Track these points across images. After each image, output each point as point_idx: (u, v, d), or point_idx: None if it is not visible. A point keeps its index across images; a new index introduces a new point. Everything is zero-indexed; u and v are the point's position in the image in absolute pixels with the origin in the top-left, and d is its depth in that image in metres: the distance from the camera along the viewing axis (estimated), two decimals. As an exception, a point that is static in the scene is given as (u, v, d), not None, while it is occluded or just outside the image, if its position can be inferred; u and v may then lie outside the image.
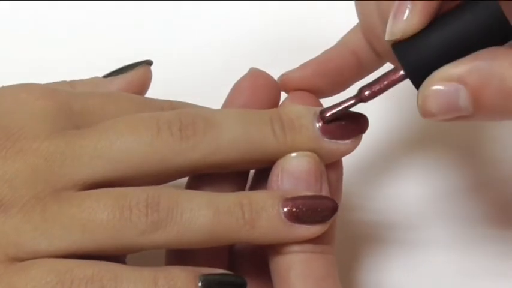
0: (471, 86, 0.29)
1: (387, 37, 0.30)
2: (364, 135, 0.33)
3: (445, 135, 0.42)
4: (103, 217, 0.30)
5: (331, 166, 0.33)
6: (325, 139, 0.32)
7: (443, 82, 0.29)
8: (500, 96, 0.29)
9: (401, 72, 0.31)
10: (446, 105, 0.29)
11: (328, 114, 0.32)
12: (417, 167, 0.42)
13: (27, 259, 0.30)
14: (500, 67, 0.29)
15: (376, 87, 0.31)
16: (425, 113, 0.30)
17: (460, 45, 0.29)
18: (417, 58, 0.30)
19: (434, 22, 0.30)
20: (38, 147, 0.30)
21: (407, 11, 0.30)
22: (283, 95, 0.35)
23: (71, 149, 0.31)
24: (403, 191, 0.41)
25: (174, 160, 0.31)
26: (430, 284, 0.38)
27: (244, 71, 0.35)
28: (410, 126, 0.42)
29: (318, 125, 0.32)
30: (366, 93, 0.31)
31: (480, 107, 0.29)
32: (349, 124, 0.32)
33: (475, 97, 0.29)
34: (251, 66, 0.35)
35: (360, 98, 0.31)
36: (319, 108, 0.33)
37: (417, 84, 0.30)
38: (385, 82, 0.31)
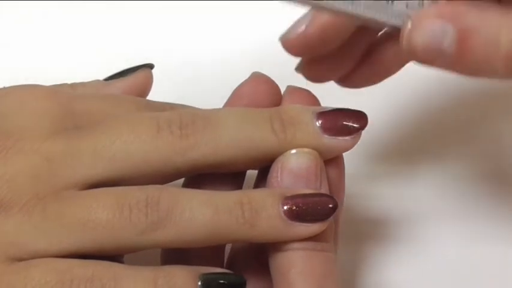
0: (460, 28, 0.29)
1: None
2: (364, 133, 0.32)
3: (447, 132, 0.42)
4: (103, 217, 0.30)
5: (332, 163, 0.32)
6: (325, 135, 0.32)
7: (433, 18, 0.29)
8: (486, 49, 0.29)
9: None
10: (430, 43, 0.29)
11: None
12: (419, 164, 0.42)
13: (27, 259, 0.29)
14: (493, 19, 0.29)
15: None
16: (409, 48, 0.30)
17: None
18: None
19: None
20: (39, 148, 0.31)
21: None
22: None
23: (72, 149, 0.31)
24: (406, 189, 0.41)
25: (174, 159, 0.31)
26: (431, 282, 0.38)
27: (247, 75, 0.35)
28: (412, 123, 0.42)
29: (318, 122, 0.32)
30: None
31: (463, 54, 0.29)
32: (348, 121, 0.32)
33: (460, 40, 0.29)
34: (254, 70, 0.35)
35: None
36: (319, 108, 0.33)
37: None
38: None
